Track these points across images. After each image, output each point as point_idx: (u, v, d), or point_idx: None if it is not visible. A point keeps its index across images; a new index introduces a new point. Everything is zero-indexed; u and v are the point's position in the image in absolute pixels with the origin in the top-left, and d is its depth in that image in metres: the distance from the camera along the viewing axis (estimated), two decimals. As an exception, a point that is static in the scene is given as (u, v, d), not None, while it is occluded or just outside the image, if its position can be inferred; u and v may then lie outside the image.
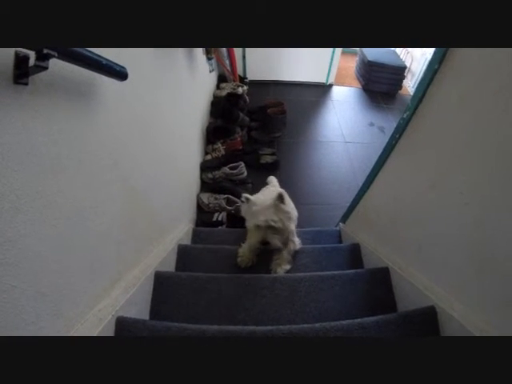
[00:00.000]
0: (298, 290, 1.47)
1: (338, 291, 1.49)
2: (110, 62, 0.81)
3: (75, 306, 0.88)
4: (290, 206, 1.65)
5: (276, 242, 1.54)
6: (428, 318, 1.22)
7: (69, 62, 0.67)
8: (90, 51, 0.71)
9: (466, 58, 1.05)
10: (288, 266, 1.67)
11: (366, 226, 1.95)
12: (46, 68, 0.59)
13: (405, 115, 1.43)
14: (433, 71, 1.20)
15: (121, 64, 0.88)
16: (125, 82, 0.92)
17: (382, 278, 1.58)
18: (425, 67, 1.27)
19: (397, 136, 1.51)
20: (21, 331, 0.67)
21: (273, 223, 1.49)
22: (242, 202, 1.59)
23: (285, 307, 1.42)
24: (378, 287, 1.55)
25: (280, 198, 1.52)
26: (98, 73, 0.80)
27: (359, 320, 1.18)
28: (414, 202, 1.43)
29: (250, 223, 1.56)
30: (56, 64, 0.63)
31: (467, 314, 1.08)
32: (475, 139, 1.02)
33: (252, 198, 1.54)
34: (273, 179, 2.32)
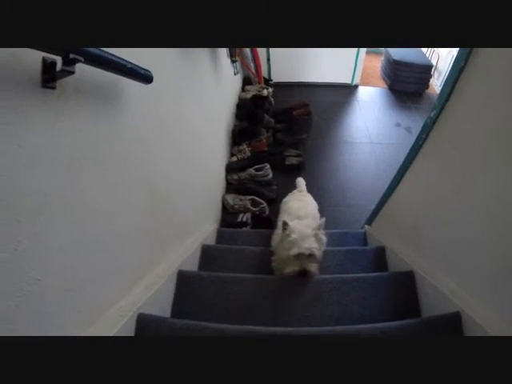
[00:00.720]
0: (321, 292, 1.47)
1: (360, 294, 1.47)
2: (135, 65, 0.82)
3: (97, 302, 0.91)
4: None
5: (316, 270, 1.45)
6: (452, 324, 1.20)
7: (95, 66, 0.68)
8: (115, 55, 0.73)
9: (492, 55, 1.03)
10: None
11: (392, 229, 1.93)
12: (72, 72, 0.61)
13: (431, 114, 1.41)
14: (459, 69, 1.19)
15: (145, 68, 0.90)
16: (150, 85, 0.94)
17: (406, 282, 1.55)
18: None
19: (423, 136, 1.49)
20: (43, 324, 0.69)
21: (316, 251, 1.42)
22: (284, 229, 1.47)
23: (306, 309, 1.42)
24: (402, 291, 1.53)
25: (319, 227, 1.47)
26: (124, 76, 0.82)
27: (381, 324, 1.17)
28: (439, 204, 1.41)
29: (288, 252, 1.42)
30: (82, 68, 0.65)
31: (493, 321, 1.05)
32: (503, 140, 1.00)
33: (291, 224, 1.46)
34: (301, 181, 2.27)
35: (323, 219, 1.50)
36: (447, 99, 1.30)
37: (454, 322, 1.20)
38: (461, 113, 1.24)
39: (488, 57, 1.06)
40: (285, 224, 1.46)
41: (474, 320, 1.12)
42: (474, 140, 1.16)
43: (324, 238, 1.50)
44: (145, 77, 0.90)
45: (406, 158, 1.68)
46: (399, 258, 1.74)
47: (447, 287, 1.31)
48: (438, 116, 1.37)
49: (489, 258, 1.08)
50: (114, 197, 0.94)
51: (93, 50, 0.64)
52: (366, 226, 2.32)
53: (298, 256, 1.40)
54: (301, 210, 1.72)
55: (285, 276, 1.46)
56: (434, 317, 1.27)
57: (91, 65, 0.67)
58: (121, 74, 0.80)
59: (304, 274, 1.42)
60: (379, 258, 1.90)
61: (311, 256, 1.42)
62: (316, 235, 1.45)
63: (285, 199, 2.07)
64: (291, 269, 1.42)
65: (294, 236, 1.42)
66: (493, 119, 1.05)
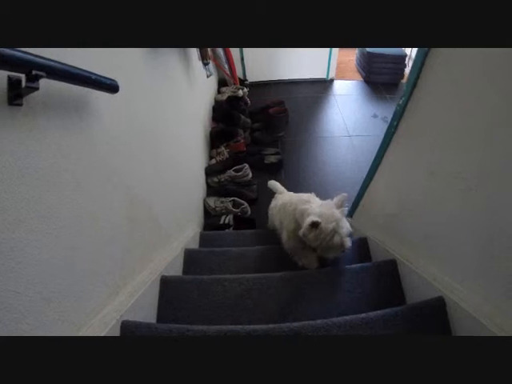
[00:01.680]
0: (303, 288, 1.46)
1: (344, 286, 1.47)
2: (100, 76, 0.83)
3: (80, 312, 0.90)
4: None
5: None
6: (436, 309, 1.20)
7: (58, 80, 0.69)
8: (78, 68, 0.73)
9: None
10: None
11: (372, 219, 1.94)
12: (37, 88, 0.62)
13: (400, 101, 1.41)
14: (424, 54, 1.19)
15: (113, 77, 0.90)
16: (119, 93, 0.94)
17: (389, 271, 1.56)
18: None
19: (395, 123, 1.49)
20: (26, 336, 0.69)
21: (350, 228, 1.45)
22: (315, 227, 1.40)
23: (289, 305, 1.41)
24: (386, 280, 1.54)
25: (342, 203, 1.48)
26: (89, 87, 0.82)
27: (363, 315, 1.17)
28: (415, 190, 1.41)
29: (331, 242, 1.40)
30: (49, 83, 0.67)
31: (477, 303, 1.06)
32: (471, 122, 1.00)
33: (318, 218, 1.37)
34: (273, 184, 2.23)
35: (345, 194, 1.50)
36: (414, 85, 1.30)
37: (437, 306, 1.20)
38: (428, 97, 1.25)
39: None
40: (315, 224, 1.37)
41: (458, 304, 1.13)
42: (443, 123, 1.16)
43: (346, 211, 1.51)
44: (110, 86, 0.90)
45: (380, 147, 1.68)
46: (381, 248, 1.74)
47: (429, 273, 1.31)
48: (406, 102, 1.38)
49: (468, 241, 1.08)
50: (92, 207, 0.93)
51: (55, 64, 0.65)
52: (348, 218, 2.32)
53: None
54: (298, 197, 1.71)
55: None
56: (418, 303, 1.26)
57: (55, 79, 0.68)
58: (86, 86, 0.80)
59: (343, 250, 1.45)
60: (362, 248, 1.90)
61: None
62: (342, 212, 1.46)
63: (271, 205, 2.08)
64: (333, 253, 1.47)
65: (330, 226, 1.38)
66: (459, 101, 1.05)
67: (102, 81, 0.85)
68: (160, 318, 1.38)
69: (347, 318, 1.16)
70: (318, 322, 1.13)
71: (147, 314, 1.30)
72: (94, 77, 0.80)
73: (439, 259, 1.28)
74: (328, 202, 1.53)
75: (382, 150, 1.65)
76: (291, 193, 2.03)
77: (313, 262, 1.63)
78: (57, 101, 0.76)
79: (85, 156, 0.89)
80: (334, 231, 1.38)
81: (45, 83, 0.64)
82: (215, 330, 1.09)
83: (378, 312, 1.19)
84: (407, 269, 1.47)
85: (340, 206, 1.47)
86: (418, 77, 1.27)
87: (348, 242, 1.43)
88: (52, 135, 0.74)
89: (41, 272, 0.73)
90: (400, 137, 1.50)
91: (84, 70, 0.76)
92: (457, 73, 1.06)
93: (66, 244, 0.82)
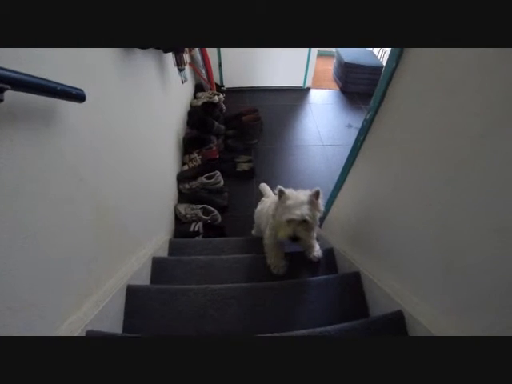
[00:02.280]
0: (266, 299, 1.46)
1: (307, 298, 1.47)
2: (66, 86, 0.81)
3: (46, 321, 0.89)
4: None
5: (307, 238, 1.50)
6: (395, 323, 1.22)
7: (23, 91, 0.68)
8: (43, 79, 0.72)
9: (421, 55, 1.05)
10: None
11: (339, 230, 1.95)
12: (1, 100, 0.61)
13: (367, 116, 1.43)
14: (391, 70, 1.21)
15: (81, 85, 0.89)
16: (88, 101, 0.93)
17: (353, 283, 1.57)
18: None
19: (361, 138, 1.51)
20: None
21: (308, 218, 1.42)
22: (275, 193, 1.54)
23: (251, 316, 1.42)
24: (350, 292, 1.55)
25: (317, 194, 1.48)
26: (56, 98, 0.81)
27: (321, 329, 1.17)
28: (379, 204, 1.43)
29: (281, 217, 1.45)
30: (15, 94, 0.66)
31: (434, 318, 1.08)
32: (435, 137, 1.02)
33: (287, 191, 1.48)
34: (264, 187, 2.26)
35: (318, 188, 1.51)
36: (381, 100, 1.32)
37: (396, 320, 1.22)
38: (394, 113, 1.26)
39: (416, 57, 1.08)
40: (281, 192, 1.47)
41: (415, 318, 1.14)
42: (406, 138, 1.18)
43: (322, 207, 1.53)
44: (77, 96, 0.88)
45: (347, 160, 1.70)
46: (346, 259, 1.76)
47: (390, 286, 1.33)
48: (373, 117, 1.39)
49: (428, 256, 1.10)
50: (58, 215, 0.92)
51: (19, 76, 0.64)
52: (317, 228, 2.33)
53: (291, 222, 1.43)
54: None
55: (279, 239, 1.57)
56: (376, 317, 1.28)
57: (20, 91, 0.66)
58: (52, 97, 0.79)
59: (295, 239, 1.44)
60: (329, 259, 1.91)
61: (304, 222, 1.44)
62: (312, 202, 1.46)
63: (257, 209, 2.10)
64: (283, 234, 1.46)
65: (288, 202, 1.43)
66: (423, 117, 1.07)
67: (68, 91, 0.83)
68: (126, 327, 1.36)
69: (305, 331, 1.16)
70: (276, 334, 1.13)
71: (113, 323, 1.28)
72: (59, 87, 0.78)
73: (400, 273, 1.29)
74: (303, 191, 1.56)
75: (349, 162, 1.67)
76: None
77: (280, 265, 1.72)
78: (24, 111, 0.75)
79: (52, 165, 0.88)
80: (288, 209, 1.43)
81: (11, 93, 0.63)
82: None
83: (336, 326, 1.19)
84: (370, 281, 1.49)
85: (314, 195, 1.49)
86: (385, 92, 1.29)
87: (302, 234, 1.45)
88: (19, 145, 0.73)
89: (6, 282, 0.72)
90: (366, 151, 1.52)
91: (49, 81, 0.75)
92: (421, 87, 1.08)
93: (31, 254, 0.81)
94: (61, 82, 0.79)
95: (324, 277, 1.62)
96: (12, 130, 0.70)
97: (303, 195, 1.47)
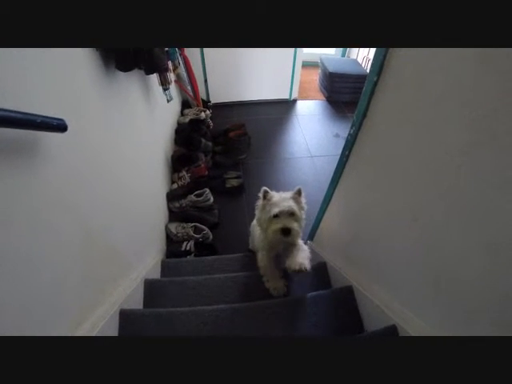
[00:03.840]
0: (259, 319, 1.46)
1: (301, 315, 1.47)
2: (46, 117, 0.80)
3: None
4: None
5: (298, 229, 1.48)
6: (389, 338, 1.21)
7: (2, 127, 0.67)
8: (21, 112, 0.71)
9: (402, 68, 1.05)
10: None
11: (330, 244, 1.95)
12: None
13: (351, 131, 1.43)
14: (373, 84, 1.21)
15: (62, 113, 0.89)
16: (70, 128, 0.91)
17: (346, 298, 1.57)
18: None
19: (346, 153, 1.52)
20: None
21: (295, 209, 1.46)
22: (259, 197, 1.59)
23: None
24: (344, 307, 1.55)
25: (299, 192, 1.53)
26: (37, 130, 0.80)
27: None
28: (366, 219, 1.43)
29: (269, 213, 1.47)
30: None
31: (427, 333, 1.07)
32: (419, 152, 1.02)
33: (270, 192, 1.54)
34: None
35: (299, 187, 1.55)
36: (364, 115, 1.32)
37: (390, 336, 1.21)
38: (377, 127, 1.27)
39: (398, 70, 1.08)
40: (265, 192, 1.54)
41: (409, 332, 1.14)
42: (393, 153, 1.18)
43: (304, 205, 1.56)
44: (58, 127, 0.87)
45: (335, 174, 1.70)
46: (338, 273, 1.75)
47: (383, 301, 1.33)
48: (357, 133, 1.40)
49: (419, 269, 1.10)
50: (47, 243, 0.92)
51: None
52: (308, 241, 2.33)
53: (280, 216, 1.46)
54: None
55: (271, 241, 1.55)
56: (370, 333, 1.27)
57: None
58: (32, 129, 0.78)
59: (286, 230, 1.44)
60: (321, 273, 1.91)
61: (292, 215, 1.47)
62: (295, 199, 1.51)
63: (253, 223, 2.06)
64: (273, 228, 1.46)
65: (274, 199, 1.49)
66: (407, 131, 1.07)
67: (49, 122, 0.82)
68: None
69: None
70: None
71: None
72: (39, 120, 0.77)
73: (391, 287, 1.29)
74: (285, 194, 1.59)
75: (337, 176, 1.67)
76: None
77: (279, 286, 1.69)
78: (3, 145, 0.74)
79: (38, 195, 0.87)
80: (275, 204, 1.46)
81: None
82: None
83: (330, 345, 1.18)
84: (362, 295, 1.48)
85: (296, 194, 1.54)
86: (367, 107, 1.29)
87: (293, 225, 1.46)
88: (3, 180, 0.73)
89: None
90: (352, 166, 1.53)
91: (29, 114, 0.74)
92: (404, 103, 1.07)
93: (21, 286, 0.81)
94: (41, 112, 0.79)
95: (317, 293, 1.61)
96: None
97: (286, 193, 1.53)
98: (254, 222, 2.04)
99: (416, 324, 1.13)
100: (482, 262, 0.82)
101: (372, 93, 1.24)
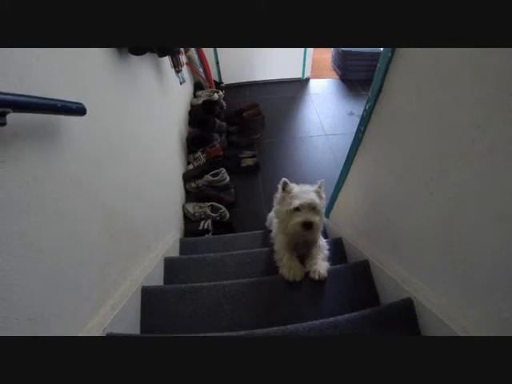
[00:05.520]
0: (277, 292, 1.49)
1: (318, 288, 1.49)
2: (66, 102, 0.83)
3: (65, 328, 0.92)
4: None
5: (319, 223, 1.42)
6: (405, 310, 1.23)
7: (25, 112, 0.69)
8: (43, 98, 0.73)
9: None
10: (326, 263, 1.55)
11: (346, 220, 1.96)
12: (4, 124, 0.62)
13: (367, 107, 1.44)
14: (387, 59, 1.21)
15: (80, 98, 0.91)
16: (88, 113, 0.94)
17: (362, 272, 1.59)
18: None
19: (362, 128, 1.52)
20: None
21: (317, 202, 1.42)
22: (283, 188, 1.51)
23: (262, 309, 1.45)
24: (360, 281, 1.57)
25: (321, 185, 1.50)
26: (57, 114, 0.82)
27: (332, 319, 1.19)
28: (383, 194, 1.44)
29: (290, 205, 1.42)
30: (16, 114, 0.66)
31: (443, 305, 1.09)
32: (434, 127, 1.02)
33: (291, 184, 1.50)
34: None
35: (323, 180, 1.53)
36: (380, 91, 1.32)
37: (406, 308, 1.24)
38: (394, 102, 1.26)
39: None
40: (285, 183, 1.48)
41: (424, 305, 1.16)
42: (406, 128, 1.18)
43: (324, 199, 1.53)
44: (78, 110, 0.90)
45: (350, 151, 1.71)
46: (355, 249, 1.77)
47: (399, 274, 1.34)
48: (372, 108, 1.40)
49: (433, 245, 1.11)
50: (70, 227, 0.94)
51: (20, 98, 0.65)
52: (324, 218, 2.34)
53: (301, 209, 1.41)
54: None
55: (291, 233, 1.48)
56: (386, 305, 1.29)
57: (21, 112, 0.68)
58: (54, 114, 0.81)
59: (308, 225, 1.39)
60: (337, 249, 1.92)
61: (314, 209, 1.42)
62: (318, 192, 1.48)
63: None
64: (295, 221, 1.41)
65: (295, 191, 1.45)
66: (424, 106, 1.07)
67: (69, 106, 0.85)
68: (143, 328, 1.39)
69: (316, 322, 1.18)
70: (289, 327, 1.16)
71: (130, 325, 1.32)
72: (59, 104, 0.79)
73: (407, 261, 1.30)
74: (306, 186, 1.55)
75: (352, 153, 1.68)
76: None
77: (296, 273, 1.50)
78: (27, 130, 0.76)
79: (60, 179, 0.89)
80: (296, 196, 1.43)
81: (13, 115, 0.64)
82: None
83: (346, 316, 1.21)
84: (378, 270, 1.50)
85: (318, 187, 1.51)
86: (382, 82, 1.29)
87: (315, 219, 1.41)
88: (25, 165, 0.75)
89: (26, 295, 0.75)
90: (367, 142, 1.53)
91: (49, 99, 0.76)
92: (419, 78, 1.07)
93: (48, 267, 0.83)
94: (60, 97, 0.81)
95: (334, 267, 1.63)
96: (17, 151, 0.72)
97: (307, 186, 1.50)
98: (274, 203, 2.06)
99: (432, 297, 1.15)
100: (497, 234, 0.83)
101: (386, 69, 1.24)
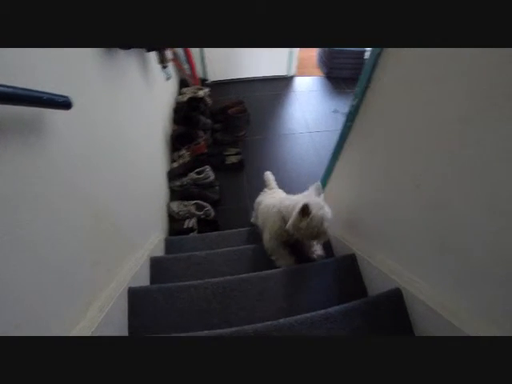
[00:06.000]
0: (266, 287, 1.48)
1: (306, 283, 1.50)
2: (52, 94, 0.80)
3: (53, 332, 0.90)
4: None
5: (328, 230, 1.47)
6: (394, 301, 1.24)
7: (8, 104, 0.66)
8: (28, 89, 0.71)
9: None
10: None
11: (332, 215, 1.96)
12: None
13: (354, 102, 1.43)
14: (376, 55, 1.21)
15: (66, 92, 0.87)
16: (74, 107, 0.91)
17: (349, 265, 1.60)
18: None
19: (348, 124, 1.52)
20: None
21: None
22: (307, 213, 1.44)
23: (254, 305, 1.44)
24: (348, 275, 1.58)
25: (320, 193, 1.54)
26: (42, 107, 0.79)
27: (323, 311, 1.19)
28: (370, 188, 1.45)
29: (319, 228, 1.43)
30: (0, 107, 0.65)
31: (431, 294, 1.10)
32: (420, 122, 1.03)
33: (309, 202, 1.42)
34: (268, 176, 2.21)
35: (318, 183, 1.56)
36: (367, 86, 1.33)
37: (395, 297, 1.25)
38: (382, 97, 1.27)
39: None
40: (305, 209, 1.41)
41: (413, 294, 1.17)
42: (396, 123, 1.18)
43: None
44: (64, 104, 0.87)
45: (337, 146, 1.70)
46: (341, 243, 1.78)
47: (387, 266, 1.35)
48: (359, 104, 1.40)
49: (421, 235, 1.12)
50: (56, 225, 0.92)
51: (4, 89, 0.62)
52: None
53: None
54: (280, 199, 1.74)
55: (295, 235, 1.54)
56: (375, 296, 1.30)
57: (6, 104, 0.65)
58: (39, 107, 0.78)
59: (320, 236, 1.47)
60: (323, 244, 1.92)
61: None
62: (322, 199, 1.51)
63: (257, 199, 2.11)
64: (308, 232, 1.45)
65: (319, 213, 1.42)
66: (409, 101, 1.08)
67: (55, 99, 0.82)
68: (131, 329, 1.37)
69: (308, 315, 1.18)
70: (281, 321, 1.16)
71: (119, 326, 1.30)
72: (45, 97, 0.77)
73: (396, 253, 1.31)
74: (307, 192, 1.57)
75: (339, 147, 1.68)
76: (280, 190, 2.09)
77: (291, 264, 1.69)
78: (12, 124, 0.74)
79: (45, 175, 0.87)
80: (323, 218, 1.42)
81: None
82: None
83: (337, 307, 1.22)
84: (366, 262, 1.51)
85: (318, 194, 1.53)
86: (370, 78, 1.29)
87: (327, 229, 1.46)
88: (8, 160, 0.72)
89: (10, 302, 0.73)
90: (354, 137, 1.53)
91: (35, 91, 0.73)
92: (407, 73, 1.08)
93: (31, 268, 0.81)
94: (45, 90, 0.78)
95: (321, 261, 1.63)
96: (1, 147, 0.69)
97: (316, 198, 1.51)
98: (258, 199, 2.06)
99: (421, 287, 1.16)
100: (485, 225, 0.84)
101: (375, 64, 1.24)
